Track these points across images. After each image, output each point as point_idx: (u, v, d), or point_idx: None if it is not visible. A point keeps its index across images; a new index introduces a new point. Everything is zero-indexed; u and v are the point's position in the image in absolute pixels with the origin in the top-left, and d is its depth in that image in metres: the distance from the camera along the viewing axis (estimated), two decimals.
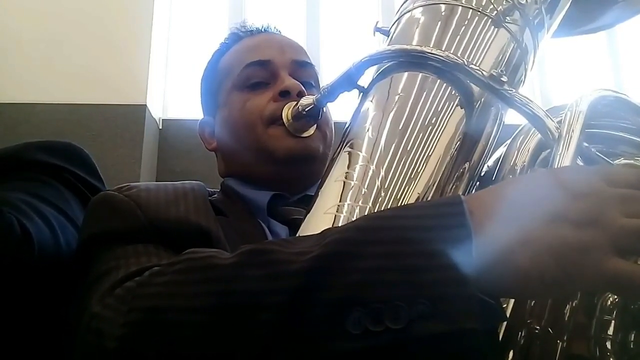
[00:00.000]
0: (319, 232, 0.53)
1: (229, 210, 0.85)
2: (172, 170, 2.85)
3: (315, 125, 0.87)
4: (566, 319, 0.56)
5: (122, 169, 2.57)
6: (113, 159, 2.57)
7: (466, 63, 0.65)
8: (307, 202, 0.69)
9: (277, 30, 1.03)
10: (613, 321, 0.57)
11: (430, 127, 0.66)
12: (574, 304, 0.57)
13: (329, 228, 0.54)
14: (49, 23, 2.85)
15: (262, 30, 1.01)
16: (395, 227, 0.48)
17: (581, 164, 0.61)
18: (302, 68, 0.95)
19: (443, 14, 0.75)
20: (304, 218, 0.67)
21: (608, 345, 0.56)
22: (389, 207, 0.61)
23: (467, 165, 0.67)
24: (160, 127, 2.99)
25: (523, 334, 0.54)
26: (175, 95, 3.16)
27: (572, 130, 0.60)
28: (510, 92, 0.63)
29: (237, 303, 0.49)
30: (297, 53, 0.97)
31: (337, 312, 0.45)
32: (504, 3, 0.73)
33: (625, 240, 0.44)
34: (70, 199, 0.87)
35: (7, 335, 0.73)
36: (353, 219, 0.58)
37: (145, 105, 2.78)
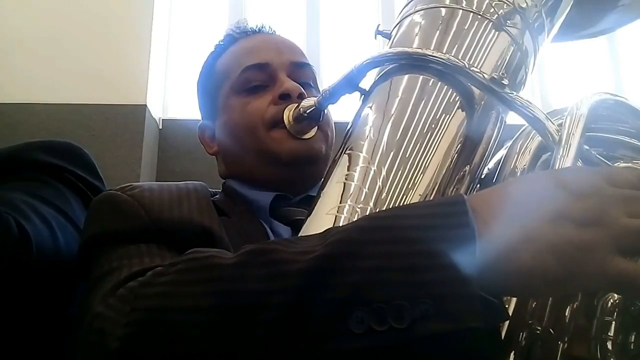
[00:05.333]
0: (321, 231, 0.53)
1: (231, 211, 0.85)
2: (172, 170, 2.84)
3: (316, 127, 0.88)
4: (567, 319, 0.56)
5: (122, 169, 2.57)
6: (113, 159, 2.57)
7: (467, 66, 0.65)
8: (309, 203, 0.70)
9: (272, 30, 1.02)
10: (614, 322, 0.57)
11: (431, 130, 0.67)
12: (574, 305, 0.57)
13: (331, 228, 0.54)
14: (49, 23, 2.85)
15: (257, 30, 1.01)
16: (397, 227, 0.49)
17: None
18: (300, 69, 0.95)
19: (444, 17, 0.75)
20: (306, 219, 0.67)
21: (609, 346, 0.56)
22: (390, 208, 0.61)
23: (467, 167, 0.67)
24: (160, 127, 2.99)
25: (524, 335, 0.54)
26: (175, 95, 3.16)
27: (573, 133, 0.60)
28: (511, 94, 0.64)
29: (240, 303, 0.49)
30: (294, 54, 0.97)
31: (340, 312, 0.46)
32: (505, 7, 0.74)
33: (627, 239, 0.45)
34: (71, 198, 0.87)
35: (6, 336, 0.73)
36: (354, 220, 0.58)
37: (145, 105, 2.78)
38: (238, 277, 0.51)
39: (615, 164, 0.69)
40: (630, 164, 0.70)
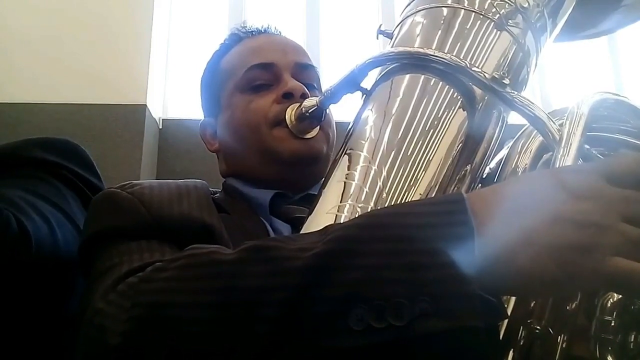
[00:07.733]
0: (321, 228, 0.53)
1: (232, 208, 0.85)
2: (172, 170, 2.84)
3: (318, 127, 0.88)
4: (567, 319, 0.56)
5: (122, 169, 2.57)
6: (113, 159, 2.57)
7: (469, 65, 0.65)
8: (310, 201, 0.70)
9: (277, 31, 1.03)
10: (613, 321, 0.58)
11: (432, 129, 0.67)
12: (574, 305, 0.57)
13: (331, 224, 0.54)
14: (49, 23, 2.85)
15: (263, 31, 1.02)
16: (397, 225, 0.49)
17: None
18: (304, 70, 0.96)
19: (446, 17, 0.75)
20: (306, 218, 0.67)
21: (608, 345, 0.57)
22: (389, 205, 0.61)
23: (469, 167, 0.67)
24: (160, 127, 2.99)
25: (523, 334, 0.54)
26: (175, 95, 3.16)
27: (574, 133, 0.60)
28: (512, 94, 0.64)
29: (239, 299, 0.49)
30: (299, 55, 0.98)
31: (340, 309, 0.46)
32: (507, 6, 0.74)
33: (625, 244, 0.44)
34: (68, 195, 0.88)
35: (5, 333, 0.73)
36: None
37: (145, 105, 2.78)
38: (238, 274, 0.51)
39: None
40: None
